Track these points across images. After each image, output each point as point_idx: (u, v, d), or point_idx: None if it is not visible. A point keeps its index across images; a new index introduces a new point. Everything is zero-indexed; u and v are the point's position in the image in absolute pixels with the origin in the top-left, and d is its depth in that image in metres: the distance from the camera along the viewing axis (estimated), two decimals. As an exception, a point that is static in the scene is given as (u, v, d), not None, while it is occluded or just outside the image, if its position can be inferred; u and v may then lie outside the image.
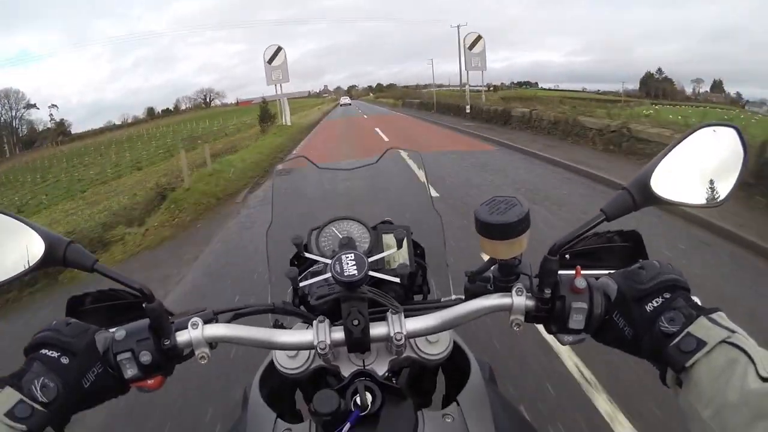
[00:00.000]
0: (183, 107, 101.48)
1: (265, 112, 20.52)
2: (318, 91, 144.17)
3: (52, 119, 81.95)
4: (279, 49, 18.17)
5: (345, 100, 66.24)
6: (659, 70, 79.16)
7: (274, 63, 18.16)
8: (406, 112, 26.29)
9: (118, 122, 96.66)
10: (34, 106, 77.30)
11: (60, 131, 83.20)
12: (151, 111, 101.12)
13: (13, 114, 73.72)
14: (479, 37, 18.15)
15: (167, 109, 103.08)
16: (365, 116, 26.72)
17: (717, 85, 76.29)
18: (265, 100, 20.45)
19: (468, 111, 16.30)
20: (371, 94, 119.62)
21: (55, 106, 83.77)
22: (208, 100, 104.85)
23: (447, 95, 25.93)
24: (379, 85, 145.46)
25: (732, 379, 0.37)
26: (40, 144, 76.52)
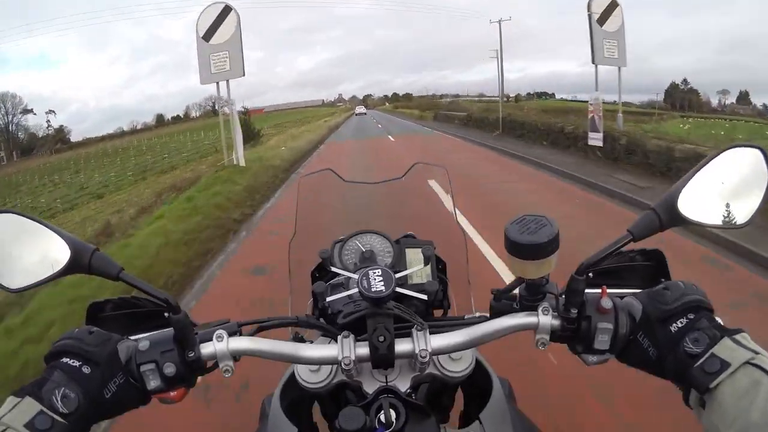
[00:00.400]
0: (193, 114, 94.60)
1: (249, 129, 12.82)
2: (332, 100, 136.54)
3: (49, 126, 76.55)
4: (226, 10, 8.41)
5: (360, 109, 65.73)
6: (684, 81, 72.92)
7: (215, 39, 8.46)
8: (453, 132, 17.44)
9: (127, 129, 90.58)
10: (30, 111, 72.03)
11: (59, 138, 77.76)
12: (160, 118, 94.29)
13: (10, 119, 68.33)
14: (614, 4, 8.84)
15: (177, 116, 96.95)
16: (390, 137, 18.58)
17: (743, 97, 69.17)
18: (249, 110, 11.96)
19: (597, 144, 8.22)
20: (387, 104, 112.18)
21: (53, 111, 79.17)
22: (216, 107, 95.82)
23: (513, 108, 18.08)
24: (395, 94, 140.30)
25: (756, 400, 0.38)
26: (37, 151, 71.42)
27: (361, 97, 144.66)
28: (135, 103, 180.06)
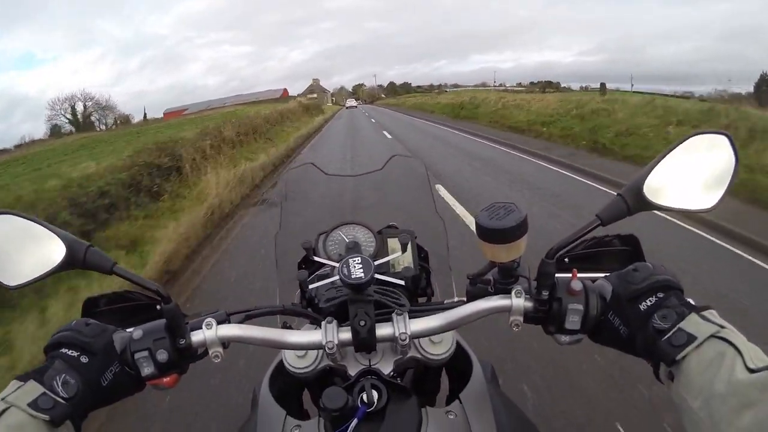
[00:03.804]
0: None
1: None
2: (296, 95, 73.37)
3: None
4: None
5: (350, 102, 58.44)
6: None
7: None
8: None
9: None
10: None
11: None
12: (55, 129, 55.37)
13: None
14: None
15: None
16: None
17: None
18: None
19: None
20: (383, 96, 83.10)
21: None
22: (80, 117, 45.10)
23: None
24: (391, 83, 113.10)
25: (720, 370, 0.43)
26: None
27: (351, 88, 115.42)
28: (122, 101, 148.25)
